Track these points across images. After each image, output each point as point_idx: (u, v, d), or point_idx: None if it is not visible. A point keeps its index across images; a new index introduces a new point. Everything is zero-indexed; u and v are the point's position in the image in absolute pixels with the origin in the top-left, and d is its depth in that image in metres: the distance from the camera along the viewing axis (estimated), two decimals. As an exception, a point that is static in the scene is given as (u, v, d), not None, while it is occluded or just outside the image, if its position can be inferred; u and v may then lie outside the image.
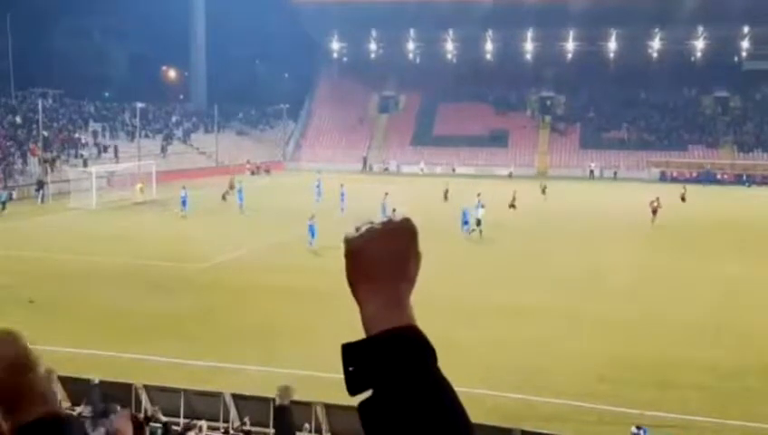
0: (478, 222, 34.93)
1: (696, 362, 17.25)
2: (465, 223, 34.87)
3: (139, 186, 48.95)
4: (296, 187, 57.25)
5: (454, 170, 74.50)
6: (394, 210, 34.07)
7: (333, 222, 38.29)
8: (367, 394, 1.23)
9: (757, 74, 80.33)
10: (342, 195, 43.66)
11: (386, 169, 78.45)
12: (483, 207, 35.76)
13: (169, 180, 56.58)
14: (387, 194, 40.25)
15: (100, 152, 62.11)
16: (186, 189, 42.86)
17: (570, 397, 14.76)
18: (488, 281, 25.42)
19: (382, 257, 1.32)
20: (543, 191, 50.49)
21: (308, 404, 13.00)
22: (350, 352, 1.27)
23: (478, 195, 37.35)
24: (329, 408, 12.99)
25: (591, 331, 19.73)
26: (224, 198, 47.99)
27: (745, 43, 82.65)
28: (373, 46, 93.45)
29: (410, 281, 1.35)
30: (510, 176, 68.68)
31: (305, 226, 31.79)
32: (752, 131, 76.57)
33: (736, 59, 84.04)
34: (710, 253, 31.32)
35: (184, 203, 41.64)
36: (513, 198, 41.19)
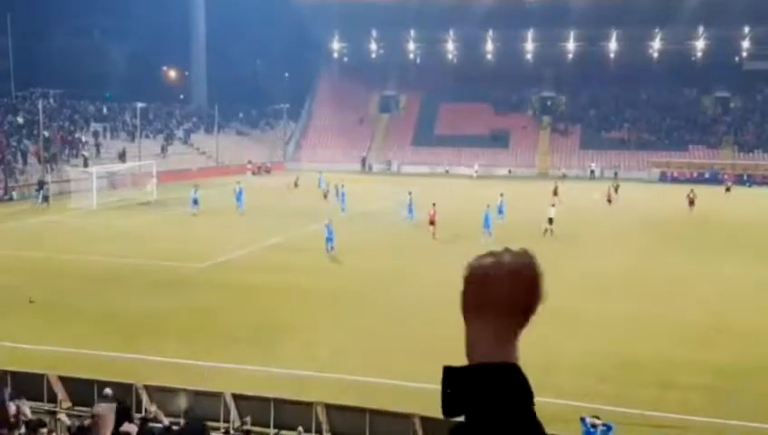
0: (550, 221, 35.22)
1: (698, 362, 17.23)
2: (487, 226, 34.09)
3: (149, 185, 49.18)
4: (300, 186, 57.21)
5: (447, 172, 74.70)
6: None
7: (336, 222, 38.29)
8: (460, 419, 1.25)
9: (758, 74, 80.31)
10: (343, 195, 43.65)
11: (388, 169, 78.35)
12: (554, 205, 36.54)
13: (170, 181, 56.63)
14: (410, 193, 40.23)
15: (99, 152, 62.06)
16: (197, 188, 42.91)
17: (571, 397, 14.75)
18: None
19: (504, 292, 1.30)
20: (616, 190, 50.45)
21: (309, 404, 13.00)
22: (451, 375, 1.27)
23: (501, 195, 37.66)
24: (329, 408, 12.98)
25: (592, 330, 19.72)
26: (295, 184, 52.12)
27: (746, 44, 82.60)
28: (374, 46, 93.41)
29: (525, 320, 1.32)
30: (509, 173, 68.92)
31: (322, 229, 30.58)
32: (752, 132, 76.55)
33: (737, 59, 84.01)
34: (715, 252, 31.30)
35: (195, 202, 41.73)
36: (611, 189, 41.21)
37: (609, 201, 47.71)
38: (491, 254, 1.34)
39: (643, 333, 19.56)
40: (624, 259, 29.57)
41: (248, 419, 13.26)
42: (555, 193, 47.28)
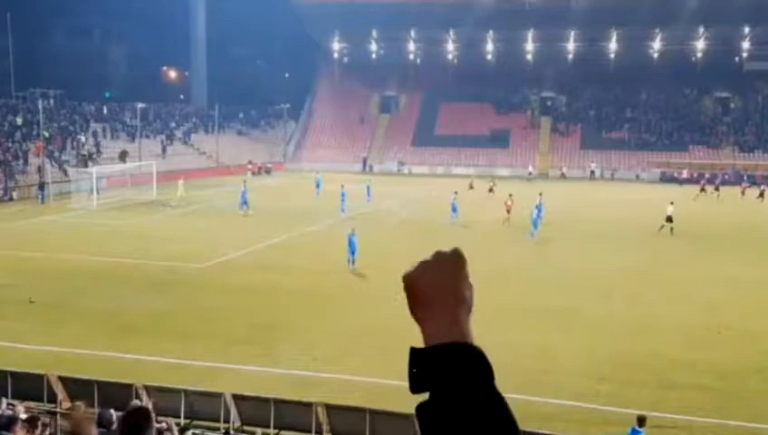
0: (669, 219, 35.56)
1: (698, 362, 17.23)
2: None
3: (180, 182, 49.64)
4: (298, 187, 57.27)
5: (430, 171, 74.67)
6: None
7: (336, 223, 38.27)
8: (425, 396, 1.35)
9: (758, 75, 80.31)
10: (343, 195, 43.65)
11: (399, 169, 78.04)
12: (672, 203, 36.87)
13: (170, 181, 56.66)
14: (456, 193, 40.83)
15: (99, 152, 62.07)
16: (245, 185, 43.96)
17: (571, 397, 14.75)
18: (492, 281, 25.38)
19: (436, 285, 1.43)
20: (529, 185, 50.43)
21: (309, 404, 13.00)
22: (416, 356, 1.38)
23: (540, 194, 37.89)
24: (329, 408, 12.98)
25: (592, 330, 19.71)
26: (491, 190, 50.48)
27: (746, 44, 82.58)
28: (374, 46, 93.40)
29: (467, 305, 1.45)
30: (530, 175, 68.89)
31: (344, 238, 28.03)
32: (752, 132, 76.53)
33: (737, 59, 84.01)
34: (718, 253, 31.32)
35: (245, 202, 42.33)
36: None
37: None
38: (422, 260, 1.47)
39: (644, 333, 19.55)
40: (627, 259, 29.58)
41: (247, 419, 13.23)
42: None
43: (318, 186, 53.40)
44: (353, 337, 19.12)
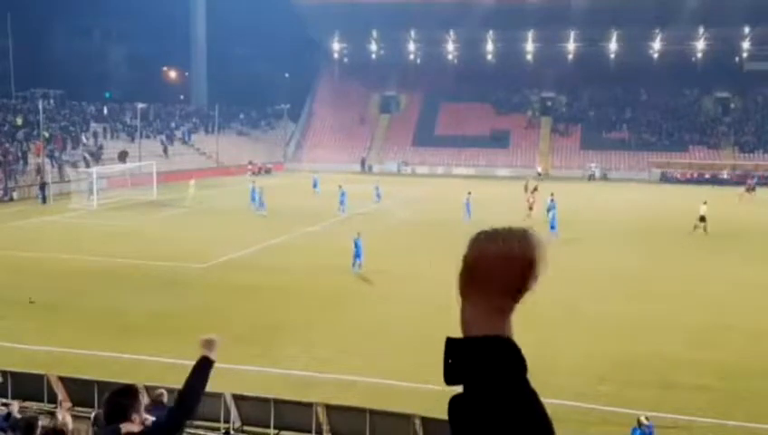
0: (702, 218, 35.78)
1: (700, 362, 17.22)
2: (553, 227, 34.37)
3: (192, 182, 50.66)
4: (298, 187, 57.28)
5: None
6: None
7: (336, 223, 38.33)
8: (459, 389, 1.32)
9: (758, 75, 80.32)
10: (342, 195, 43.64)
11: (403, 169, 77.97)
12: (706, 203, 36.96)
13: (170, 181, 56.67)
14: (470, 193, 40.89)
15: (99, 152, 62.06)
16: (254, 185, 44.86)
17: (570, 397, 14.73)
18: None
19: (499, 270, 1.34)
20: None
21: (309, 405, 12.99)
22: (452, 346, 1.33)
23: (552, 194, 37.98)
24: (329, 408, 12.98)
25: (592, 330, 19.70)
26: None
27: (746, 44, 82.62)
28: (374, 46, 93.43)
29: (519, 298, 1.38)
30: (539, 175, 68.55)
31: (350, 243, 27.13)
32: (752, 132, 76.54)
33: (737, 60, 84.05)
34: (719, 253, 31.32)
35: (261, 203, 42.77)
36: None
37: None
38: (489, 233, 1.36)
39: (645, 333, 19.54)
40: (627, 259, 29.56)
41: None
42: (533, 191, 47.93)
43: (315, 186, 53.48)
44: (354, 337, 19.11)
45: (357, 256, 26.43)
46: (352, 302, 22.63)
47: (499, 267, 1.34)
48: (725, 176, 68.64)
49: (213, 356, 4.29)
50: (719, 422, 13.77)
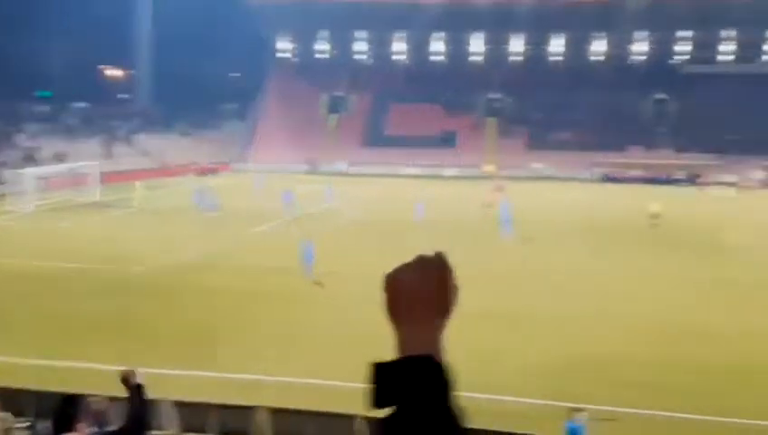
0: (655, 216, 37.83)
1: (635, 356, 17.68)
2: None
3: (138, 183, 49.45)
4: (244, 188, 56.74)
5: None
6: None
7: (284, 223, 38.12)
8: (390, 410, 1.34)
9: (695, 77, 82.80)
10: (288, 197, 43.36)
11: (352, 169, 78.03)
12: (657, 201, 39.13)
13: (113, 182, 55.47)
14: (421, 196, 40.98)
15: (37, 152, 60.36)
16: (203, 187, 44.22)
17: (514, 393, 14.96)
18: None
19: (417, 292, 1.42)
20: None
21: (252, 408, 12.89)
22: (379, 371, 1.37)
23: (502, 194, 38.27)
24: (274, 411, 12.90)
25: (546, 330, 20.03)
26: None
27: (684, 47, 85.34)
28: (323, 47, 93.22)
29: (444, 315, 1.45)
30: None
31: (300, 249, 26.42)
32: (689, 133, 78.87)
33: (675, 62, 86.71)
34: (661, 250, 32.17)
35: (208, 204, 41.82)
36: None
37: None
38: (408, 263, 1.46)
39: (587, 330, 19.96)
40: (579, 258, 30.15)
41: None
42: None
43: (262, 187, 53.13)
44: (299, 340, 19.02)
45: (307, 260, 26.07)
46: (300, 304, 22.52)
47: (419, 286, 1.42)
48: (665, 175, 70.75)
49: (139, 380, 4.36)
50: (653, 413, 14.15)
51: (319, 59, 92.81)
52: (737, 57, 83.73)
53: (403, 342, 1.41)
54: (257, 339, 18.96)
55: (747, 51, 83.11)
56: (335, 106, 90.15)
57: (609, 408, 13.88)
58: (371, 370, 1.36)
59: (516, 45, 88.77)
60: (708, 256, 31.00)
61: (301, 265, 25.90)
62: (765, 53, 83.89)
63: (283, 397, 14.34)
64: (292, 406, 13.47)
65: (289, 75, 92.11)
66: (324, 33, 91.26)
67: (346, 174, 75.56)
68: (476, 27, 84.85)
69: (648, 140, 78.66)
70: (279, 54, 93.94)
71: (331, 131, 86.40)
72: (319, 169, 78.53)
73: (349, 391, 14.42)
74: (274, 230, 36.76)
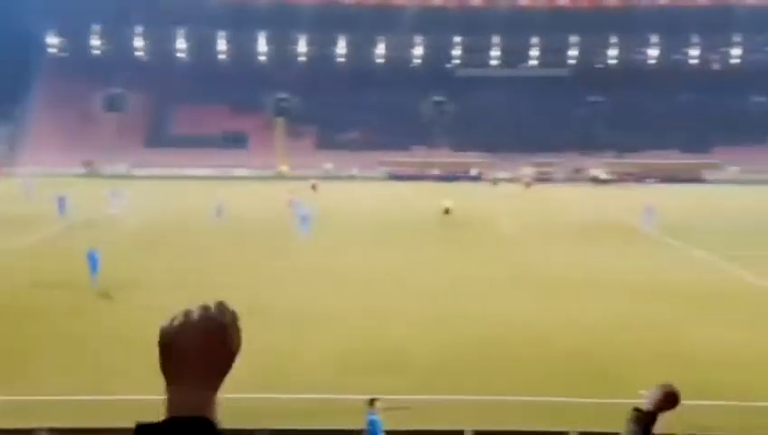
0: (447, 211, 39.77)
1: (425, 345, 18.61)
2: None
3: None
4: (11, 193, 51.65)
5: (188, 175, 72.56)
6: None
7: (58, 231, 35.41)
8: None
9: (469, 80, 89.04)
10: (62, 203, 40.20)
11: (136, 171, 73.71)
12: (448, 197, 40.18)
13: None
14: (220, 196, 40.37)
15: None
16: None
17: (315, 391, 15.07)
18: (236, 282, 25.07)
19: (190, 352, 1.35)
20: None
21: (29, 431, 11.78)
22: (143, 433, 1.32)
23: (296, 194, 37.56)
24: (53, 432, 11.88)
25: (330, 325, 20.35)
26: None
27: (458, 52, 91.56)
28: (97, 42, 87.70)
29: (221, 374, 1.37)
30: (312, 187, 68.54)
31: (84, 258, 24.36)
32: (465, 132, 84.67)
33: (450, 66, 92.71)
34: (447, 245, 34.06)
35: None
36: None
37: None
38: (182, 314, 1.38)
39: (382, 323, 20.64)
40: (372, 254, 31.00)
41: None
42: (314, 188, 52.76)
43: (31, 191, 48.89)
44: (85, 356, 17.68)
45: (93, 269, 23.99)
46: (84, 318, 20.94)
47: (196, 345, 1.35)
48: (438, 172, 75.58)
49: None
50: (450, 398, 14.97)
51: (94, 55, 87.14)
52: (503, 62, 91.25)
53: (170, 402, 1.34)
54: (38, 360, 17.34)
55: (511, 56, 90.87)
56: (114, 105, 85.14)
57: (403, 397, 14.44)
58: (136, 432, 1.31)
59: (300, 45, 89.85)
60: (491, 247, 33.44)
61: (88, 276, 24.04)
62: (531, 58, 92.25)
63: (64, 417, 13.27)
64: (72, 425, 12.50)
65: (61, 72, 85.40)
66: (97, 28, 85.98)
67: (130, 176, 71.47)
68: (259, 26, 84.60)
69: (429, 140, 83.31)
70: (50, 50, 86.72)
71: (111, 132, 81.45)
72: (98, 172, 73.69)
73: (137, 405, 13.67)
74: (48, 240, 33.84)
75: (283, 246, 33.02)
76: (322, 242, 33.75)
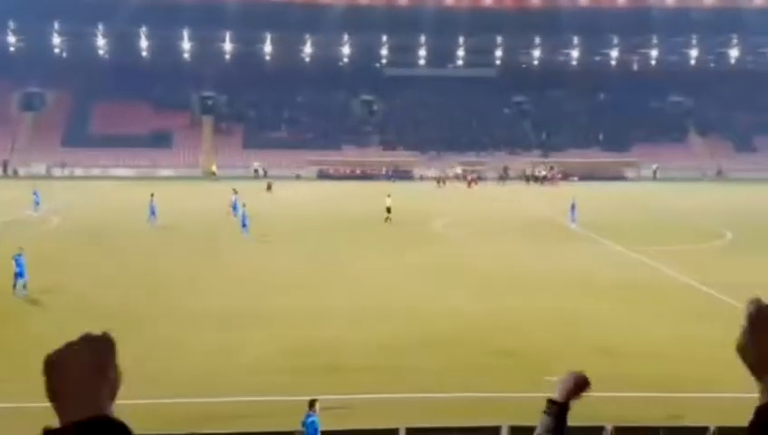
0: (389, 210, 39.62)
1: (366, 343, 18.60)
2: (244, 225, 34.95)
3: None
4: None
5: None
6: None
7: None
8: None
9: (397, 80, 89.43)
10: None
11: (57, 172, 70.78)
12: (390, 196, 39.50)
13: None
14: (153, 195, 39.38)
15: None
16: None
17: (249, 393, 14.88)
18: (161, 282, 24.46)
19: (80, 368, 1.40)
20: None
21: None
22: None
23: (235, 192, 36.58)
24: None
25: (267, 326, 20.12)
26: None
27: (385, 51, 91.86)
28: (11, 38, 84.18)
29: (110, 386, 1.42)
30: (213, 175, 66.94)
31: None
32: (394, 131, 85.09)
33: (379, 65, 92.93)
34: (388, 242, 34.10)
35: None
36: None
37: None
38: (69, 345, 1.43)
39: (316, 322, 20.52)
40: (311, 253, 30.77)
41: None
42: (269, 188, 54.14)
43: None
44: (11, 361, 16.93)
45: (19, 275, 23.00)
46: (10, 325, 20.06)
47: (79, 363, 1.40)
48: (373, 170, 75.78)
49: None
50: (384, 397, 15.02)
51: (7, 52, 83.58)
52: (431, 62, 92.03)
53: (65, 411, 1.38)
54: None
55: (439, 56, 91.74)
56: (29, 103, 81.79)
57: (341, 396, 14.41)
58: None
59: (225, 43, 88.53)
60: (426, 245, 33.68)
61: (12, 283, 23.05)
62: (458, 58, 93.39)
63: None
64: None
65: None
66: (12, 24, 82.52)
67: (48, 177, 68.66)
68: (183, 23, 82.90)
69: (359, 139, 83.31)
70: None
71: (27, 131, 78.22)
72: (15, 173, 70.64)
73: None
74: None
75: (221, 246, 32.50)
76: (261, 242, 33.41)
